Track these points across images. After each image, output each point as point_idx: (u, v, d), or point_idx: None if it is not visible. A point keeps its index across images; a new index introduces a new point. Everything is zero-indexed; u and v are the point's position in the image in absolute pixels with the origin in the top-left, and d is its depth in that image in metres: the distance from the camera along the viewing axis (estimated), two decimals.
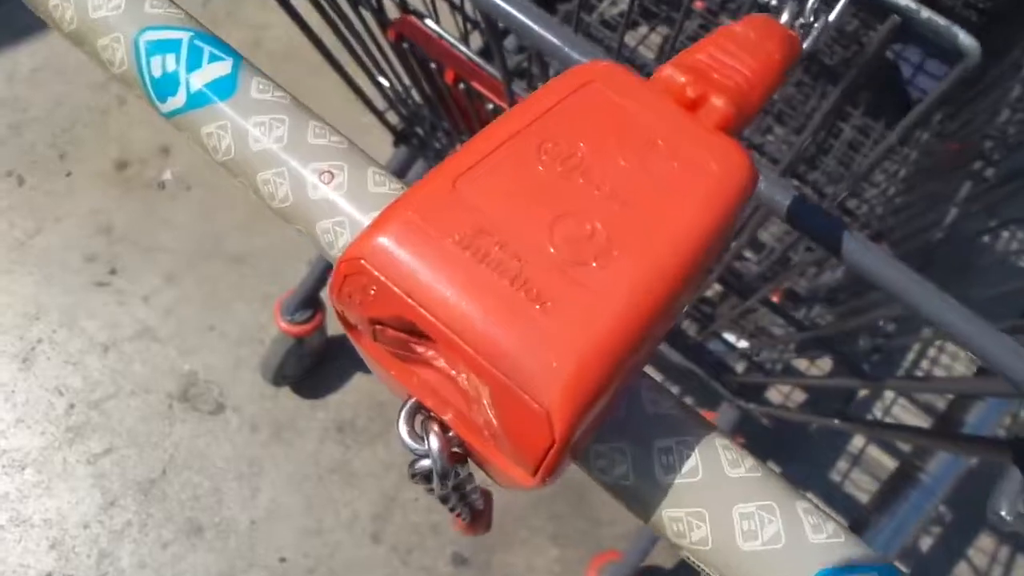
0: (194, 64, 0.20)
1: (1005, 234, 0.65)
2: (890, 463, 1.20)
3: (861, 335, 0.87)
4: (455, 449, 0.17)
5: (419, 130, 0.83)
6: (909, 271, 0.28)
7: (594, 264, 0.16)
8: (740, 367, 0.91)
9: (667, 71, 0.21)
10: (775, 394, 1.19)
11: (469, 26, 0.69)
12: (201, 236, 1.43)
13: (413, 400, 0.17)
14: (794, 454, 1.28)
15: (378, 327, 0.16)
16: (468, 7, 0.66)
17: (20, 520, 1.23)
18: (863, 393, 1.16)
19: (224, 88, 0.20)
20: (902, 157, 0.94)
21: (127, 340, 1.35)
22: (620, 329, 0.15)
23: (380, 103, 0.90)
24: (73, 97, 1.50)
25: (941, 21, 0.30)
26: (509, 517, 1.28)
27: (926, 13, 0.30)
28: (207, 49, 0.21)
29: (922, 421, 1.18)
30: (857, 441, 1.25)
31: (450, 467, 0.17)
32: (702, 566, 0.18)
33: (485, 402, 0.15)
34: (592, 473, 0.18)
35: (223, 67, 0.20)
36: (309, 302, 1.21)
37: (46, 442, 1.28)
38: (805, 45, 0.27)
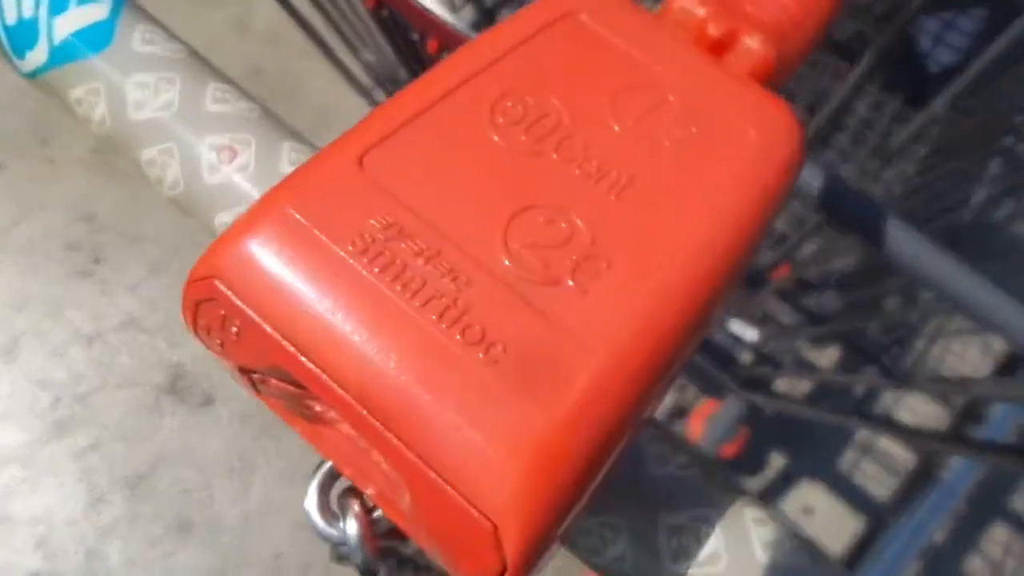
0: (59, 6, 0.15)
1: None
2: (902, 454, 1.16)
3: (878, 326, 0.83)
4: (383, 534, 0.12)
5: None
6: (965, 267, 0.23)
7: (570, 283, 0.10)
8: (747, 358, 0.87)
9: (681, 1, 0.15)
10: (783, 384, 1.15)
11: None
12: (187, 224, 1.38)
13: (327, 466, 0.12)
14: (800, 447, 1.24)
15: (254, 375, 0.11)
16: None
17: (5, 518, 1.19)
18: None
19: (98, 38, 0.15)
20: (920, 132, 0.89)
21: (112, 331, 1.31)
22: (608, 391, 0.10)
23: (366, 81, 0.85)
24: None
25: None
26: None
27: None
28: None
29: (940, 410, 1.14)
30: (867, 431, 1.21)
31: (374, 559, 0.12)
32: None
33: (404, 495, 0.10)
34: (578, 553, 0.14)
35: (97, 10, 0.15)
36: None
37: (31, 437, 1.24)
38: None
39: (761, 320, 0.87)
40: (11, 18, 0.15)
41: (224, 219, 0.16)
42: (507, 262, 0.10)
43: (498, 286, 0.10)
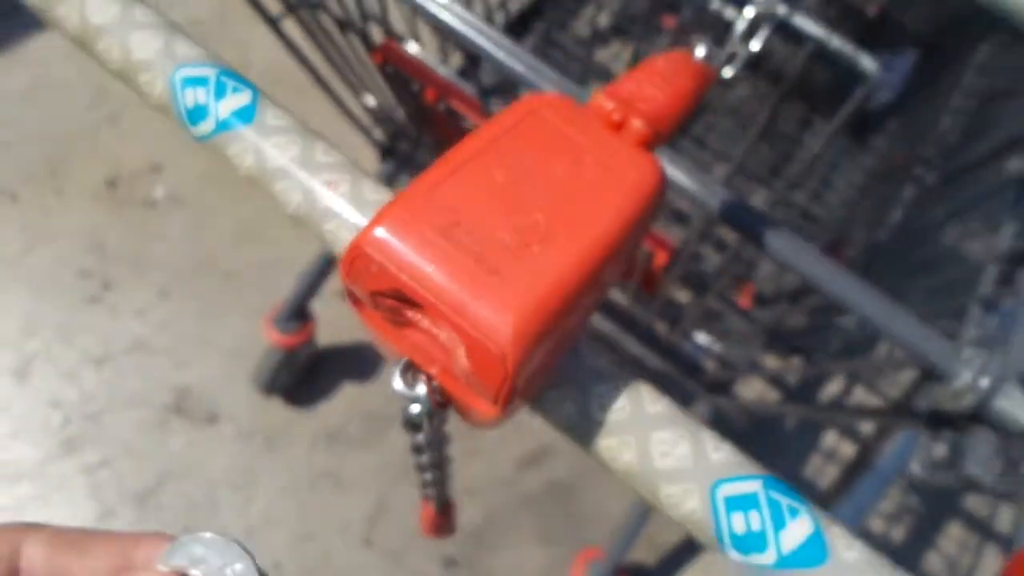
0: (220, 95, 0.25)
1: (949, 232, 0.71)
2: (848, 450, 1.25)
3: (828, 334, 0.92)
4: (437, 397, 0.22)
5: (403, 146, 0.88)
6: (815, 253, 0.33)
7: (535, 248, 0.21)
8: (711, 366, 0.96)
9: (598, 98, 0.26)
10: (748, 391, 1.24)
11: (449, 48, 0.75)
12: (193, 251, 1.47)
13: (405, 359, 0.22)
14: (761, 452, 1.34)
15: (378, 298, 0.21)
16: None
17: None
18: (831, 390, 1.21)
19: (246, 115, 0.25)
20: (858, 164, 1.01)
21: (121, 354, 1.38)
22: (553, 294, 0.21)
23: (366, 121, 0.95)
24: (65, 115, 1.54)
25: (847, 48, 0.35)
26: (497, 519, 1.32)
27: (836, 41, 0.35)
28: (231, 83, 0.25)
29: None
30: (828, 439, 1.30)
31: (435, 409, 0.22)
32: (631, 482, 0.23)
33: (459, 351, 0.20)
34: (545, 414, 0.23)
35: (244, 97, 0.25)
36: (299, 314, 1.26)
37: (42, 455, 1.30)
38: (732, 71, 0.32)
39: (724, 333, 0.97)
40: (190, 103, 0.25)
41: (329, 227, 0.25)
42: (505, 237, 0.20)
43: (501, 247, 0.21)
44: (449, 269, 0.20)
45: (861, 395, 1.30)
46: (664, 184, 0.24)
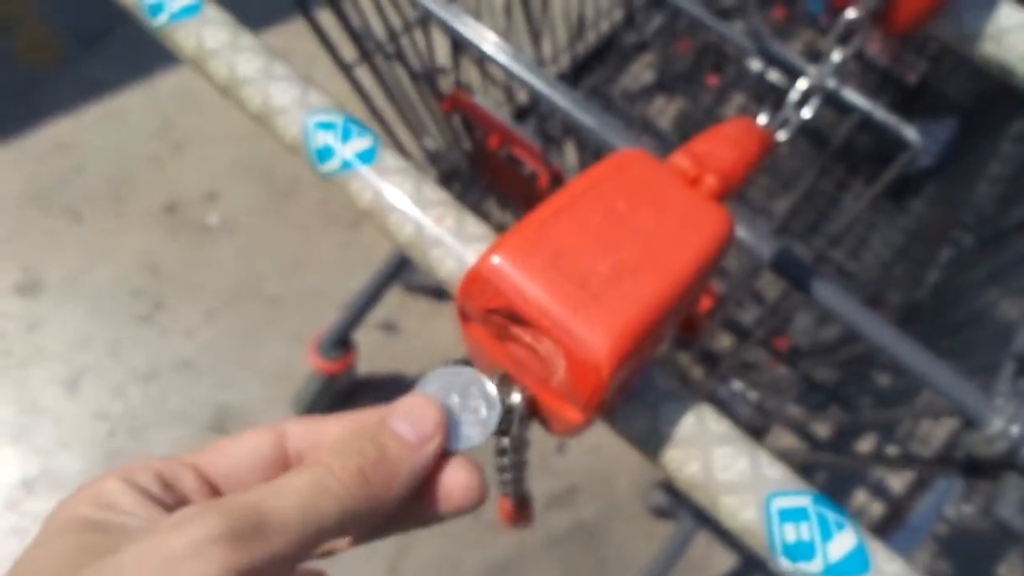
0: (346, 138, 0.29)
1: (985, 293, 0.73)
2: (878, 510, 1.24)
3: (861, 391, 0.94)
4: (527, 406, 0.25)
5: (455, 186, 0.93)
6: (859, 304, 0.36)
7: (627, 280, 0.25)
8: (745, 413, 0.98)
9: (676, 157, 0.31)
10: (779, 443, 1.25)
11: (510, 96, 0.79)
12: (241, 277, 1.52)
13: (501, 372, 0.26)
14: None
15: (489, 316, 0.25)
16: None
17: None
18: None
19: (368, 157, 0.29)
20: (896, 225, 1.03)
21: (167, 371, 1.43)
22: (642, 319, 0.25)
23: (422, 161, 1.00)
24: (132, 144, 1.63)
25: (891, 119, 0.39)
26: (522, 557, 1.33)
27: (880, 113, 0.39)
28: (355, 129, 0.30)
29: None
30: (858, 498, 1.29)
31: (527, 414, 0.25)
32: (693, 492, 0.26)
33: (558, 364, 0.24)
34: (619, 427, 0.27)
35: (366, 142, 0.29)
36: (342, 343, 1.30)
37: (87, 465, 1.35)
38: (785, 136, 0.36)
39: (758, 382, 0.99)
40: (320, 144, 0.29)
41: (435, 255, 0.29)
42: (602, 268, 0.24)
43: (599, 277, 0.24)
44: (556, 293, 0.24)
45: (891, 453, 1.30)
46: (732, 232, 0.27)
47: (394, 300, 1.51)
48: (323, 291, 1.52)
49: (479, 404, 0.24)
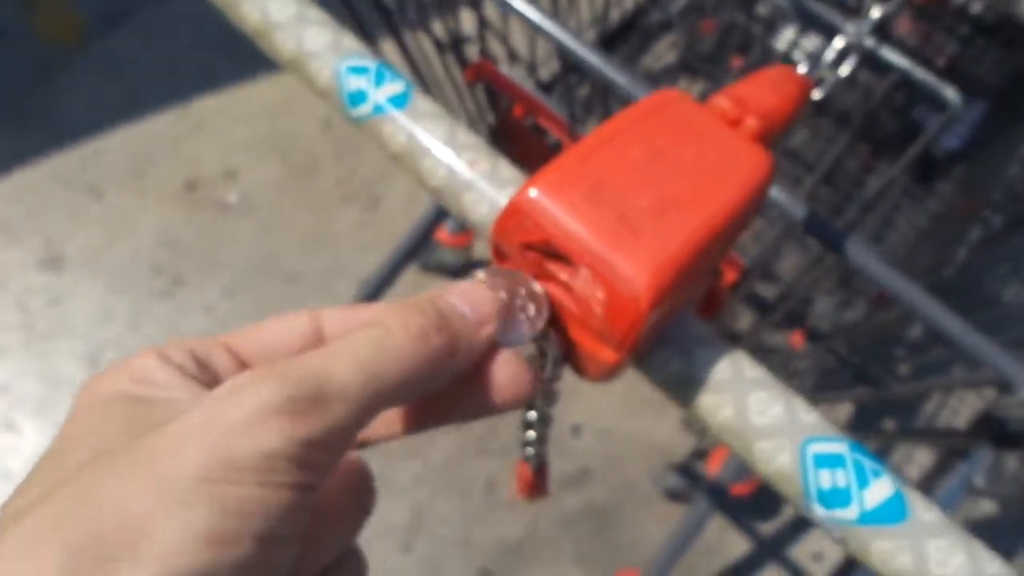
0: (379, 82, 0.29)
1: (1014, 272, 0.72)
2: None
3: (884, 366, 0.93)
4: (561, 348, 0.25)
5: None
6: (893, 267, 0.35)
7: (669, 214, 0.25)
8: None
9: (717, 99, 0.30)
10: None
11: (532, 70, 0.79)
12: (260, 255, 1.53)
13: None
14: (779, 527, 1.34)
15: (525, 252, 0.24)
16: (539, 54, 0.75)
17: None
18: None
19: (400, 101, 0.29)
20: (921, 207, 1.02)
21: None
22: (682, 254, 0.24)
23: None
24: (153, 123, 1.63)
25: (930, 78, 0.38)
26: (535, 536, 1.34)
27: (920, 72, 0.38)
28: (388, 73, 0.29)
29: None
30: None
31: (560, 356, 0.25)
32: (727, 437, 0.25)
33: (595, 299, 0.23)
34: (651, 372, 0.26)
35: (398, 86, 0.29)
36: None
37: None
38: (820, 94, 0.36)
39: (777, 367, 0.98)
40: (352, 88, 0.29)
41: (469, 198, 0.28)
42: (643, 202, 0.24)
43: (639, 210, 0.24)
44: (595, 225, 0.24)
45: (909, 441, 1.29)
46: (772, 172, 0.27)
47: (410, 280, 1.51)
48: (340, 269, 1.53)
49: (527, 303, 0.24)
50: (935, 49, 1.16)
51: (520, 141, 0.72)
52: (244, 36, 0.75)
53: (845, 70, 0.35)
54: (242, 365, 0.23)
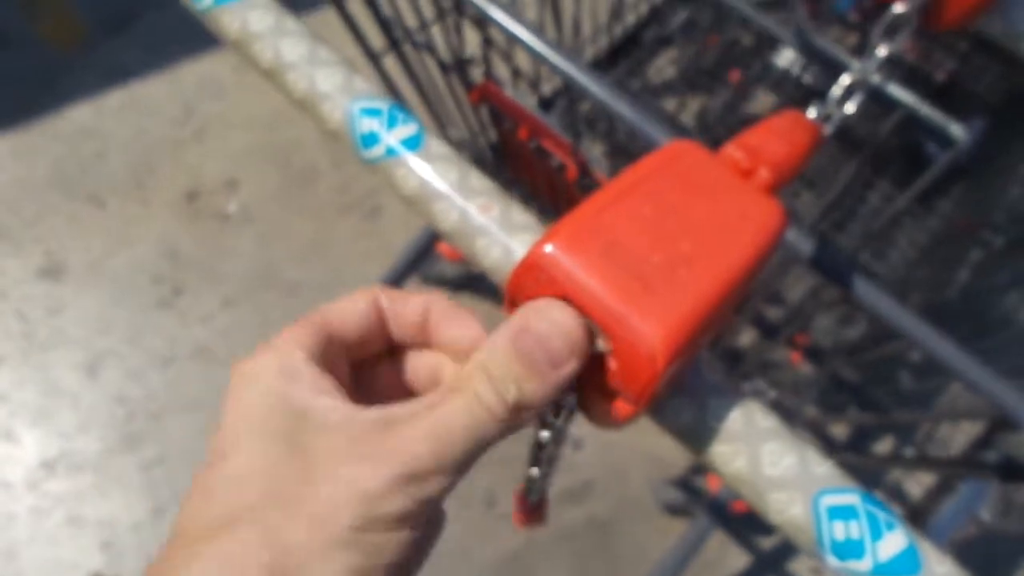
0: (391, 125, 0.29)
1: (1015, 295, 0.72)
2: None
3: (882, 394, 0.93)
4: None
5: None
6: (902, 306, 0.35)
7: (682, 271, 0.25)
8: None
9: (730, 149, 0.31)
10: None
11: (535, 87, 0.79)
12: (260, 265, 1.53)
13: None
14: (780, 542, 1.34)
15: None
16: (543, 70, 0.76)
17: (76, 519, 1.31)
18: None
19: (413, 143, 0.29)
20: (922, 225, 1.02)
21: (186, 357, 1.44)
22: (695, 311, 0.24)
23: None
24: (154, 131, 1.63)
25: (937, 116, 0.38)
26: (536, 548, 1.33)
27: (926, 109, 0.38)
28: (401, 115, 0.29)
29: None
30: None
31: (575, 407, 0.25)
32: (740, 487, 0.25)
33: (611, 354, 0.23)
34: (665, 421, 0.26)
35: (411, 129, 0.29)
36: None
37: (105, 447, 1.36)
38: (829, 130, 0.36)
39: (779, 381, 0.98)
40: (364, 130, 0.29)
41: (481, 243, 0.29)
42: (656, 259, 0.24)
43: (652, 268, 0.24)
44: (610, 283, 0.24)
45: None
46: (786, 225, 0.27)
47: (413, 290, 1.51)
48: (340, 279, 1.53)
49: None
50: (934, 65, 1.16)
51: (523, 160, 0.72)
52: None
53: (851, 107, 0.35)
54: (330, 340, 0.29)
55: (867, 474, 1.18)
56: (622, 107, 0.39)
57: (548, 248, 0.24)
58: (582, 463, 1.40)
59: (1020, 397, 0.34)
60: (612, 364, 0.24)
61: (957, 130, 0.38)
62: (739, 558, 1.33)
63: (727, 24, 1.14)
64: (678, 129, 1.23)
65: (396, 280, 1.31)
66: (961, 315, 0.68)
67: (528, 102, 0.62)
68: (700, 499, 1.25)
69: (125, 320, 1.47)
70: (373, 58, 0.76)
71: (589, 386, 0.25)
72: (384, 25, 0.61)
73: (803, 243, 0.36)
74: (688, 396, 0.26)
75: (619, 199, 0.25)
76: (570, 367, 0.24)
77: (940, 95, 1.16)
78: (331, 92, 0.30)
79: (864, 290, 0.36)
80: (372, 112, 0.29)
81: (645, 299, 0.23)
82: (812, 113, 0.34)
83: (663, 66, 1.30)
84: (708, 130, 1.24)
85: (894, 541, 0.23)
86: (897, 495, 1.26)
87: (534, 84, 0.87)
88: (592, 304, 0.23)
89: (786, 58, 1.07)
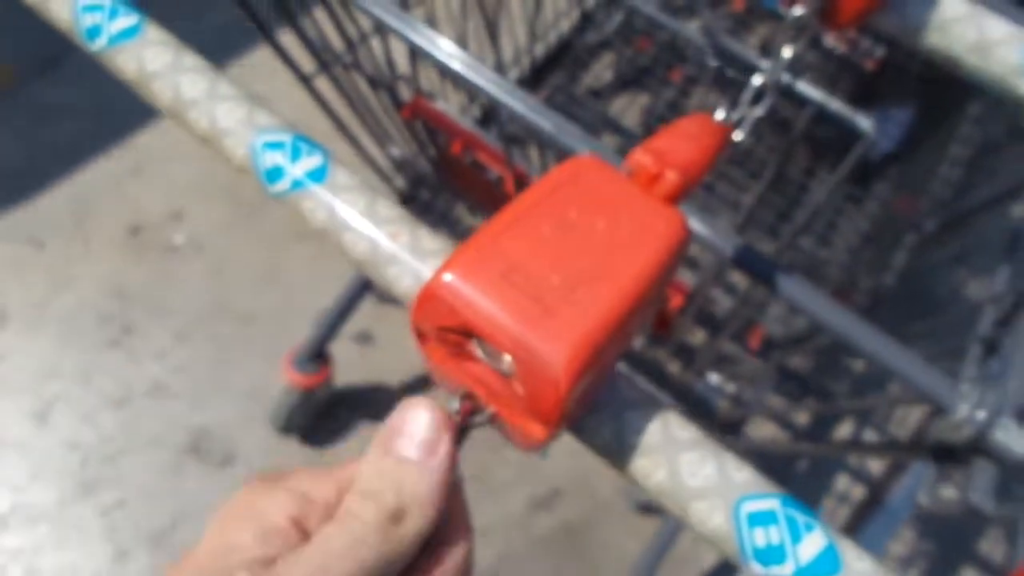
0: (295, 157, 0.28)
1: (951, 275, 0.74)
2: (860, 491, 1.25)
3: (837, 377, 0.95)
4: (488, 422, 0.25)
5: (423, 193, 0.92)
6: (823, 296, 0.36)
7: (581, 291, 0.25)
8: (723, 406, 0.98)
9: (637, 155, 0.31)
10: (760, 434, 1.25)
11: (473, 97, 0.79)
12: (211, 296, 1.50)
13: (464, 389, 0.25)
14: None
15: (445, 334, 0.24)
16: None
17: (34, 573, 1.26)
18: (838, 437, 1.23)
19: (318, 175, 0.28)
20: (862, 211, 1.05)
21: (140, 396, 1.41)
22: (597, 330, 0.24)
23: (388, 169, 0.99)
24: (91, 167, 1.59)
25: (845, 110, 0.39)
26: (510, 560, 1.33)
27: (835, 104, 0.39)
28: (305, 147, 0.29)
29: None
30: (840, 483, 1.30)
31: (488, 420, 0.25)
32: (662, 499, 0.25)
33: (516, 379, 0.23)
34: (585, 438, 0.26)
35: (316, 160, 0.29)
36: (317, 355, 1.28)
37: (60, 496, 1.32)
38: (741, 135, 0.36)
39: (735, 374, 0.99)
40: (268, 164, 0.28)
41: (391, 272, 0.28)
42: (555, 280, 0.24)
43: (552, 289, 0.24)
44: (509, 307, 0.23)
45: (870, 438, 1.31)
46: (688, 236, 0.27)
47: (369, 311, 1.50)
48: (295, 305, 1.51)
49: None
50: (862, 54, 1.19)
51: (462, 175, 0.72)
52: None
53: (761, 110, 0.36)
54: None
55: (831, 457, 1.20)
56: (542, 120, 0.39)
57: (445, 277, 0.23)
58: (550, 470, 1.40)
59: (945, 384, 0.34)
60: (519, 388, 0.23)
61: (864, 122, 0.39)
62: (711, 552, 1.34)
63: (658, 27, 1.15)
64: (621, 132, 1.25)
65: (350, 302, 1.30)
66: (903, 298, 0.70)
67: (462, 118, 0.62)
68: None
69: (74, 363, 1.43)
70: (305, 80, 0.75)
71: (505, 411, 0.25)
72: (312, 48, 0.60)
73: (724, 243, 0.37)
74: (605, 412, 0.26)
75: (518, 221, 0.25)
76: (443, 448, 0.24)
77: (872, 83, 1.19)
78: (233, 127, 0.29)
79: (785, 284, 0.36)
80: (275, 145, 0.28)
81: (546, 322, 0.23)
82: (720, 115, 0.34)
83: (602, 70, 1.31)
84: (651, 130, 1.26)
85: (814, 542, 0.23)
86: (860, 475, 1.28)
87: (472, 94, 0.87)
88: (493, 331, 0.23)
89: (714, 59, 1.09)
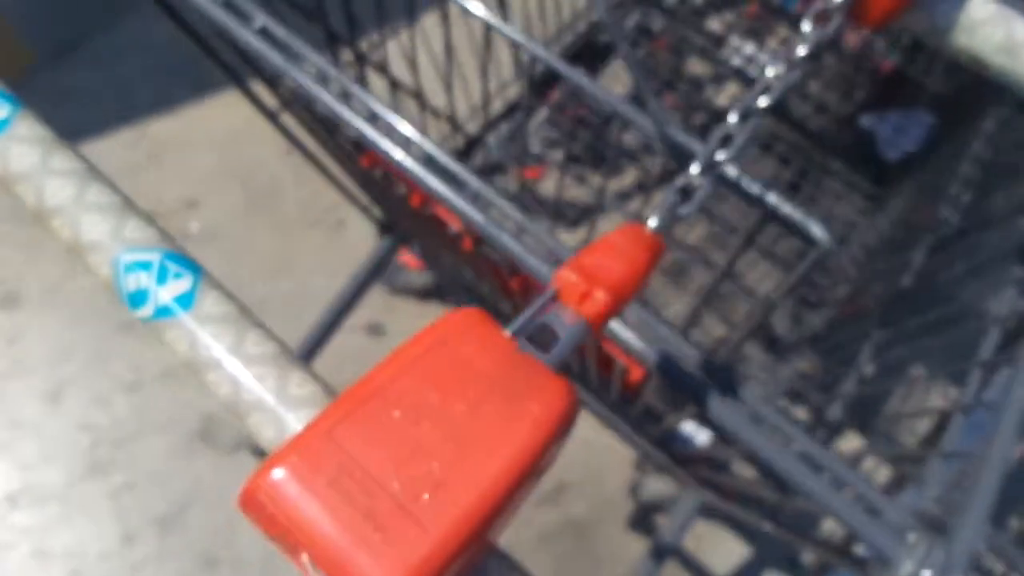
0: (162, 280, 0.26)
1: (967, 287, 0.70)
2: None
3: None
4: None
5: (398, 232, 0.89)
6: (765, 434, 0.32)
7: (426, 496, 0.22)
8: (700, 454, 0.95)
9: (564, 273, 0.28)
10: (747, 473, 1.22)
11: (456, 127, 0.75)
12: (225, 282, 1.49)
13: None
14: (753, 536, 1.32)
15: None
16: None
17: (42, 552, 1.30)
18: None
19: (185, 302, 0.26)
20: (873, 224, 1.00)
21: (152, 380, 1.42)
22: (437, 552, 0.21)
23: (365, 200, 0.95)
24: (107, 154, 1.60)
25: (797, 215, 0.35)
26: (514, 557, 1.32)
27: (786, 208, 0.35)
28: (173, 268, 0.27)
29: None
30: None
31: None
32: None
33: None
34: None
35: (185, 283, 0.26)
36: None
37: (70, 477, 1.35)
38: (664, 230, 0.32)
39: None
40: (132, 287, 0.26)
41: (253, 420, 0.26)
42: (396, 485, 0.21)
43: (389, 499, 0.21)
44: (335, 524, 0.21)
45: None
46: (575, 406, 0.24)
47: (379, 302, 1.49)
48: (307, 294, 1.50)
49: None
50: (877, 56, 1.12)
51: (422, 226, 0.68)
52: (200, 61, 0.71)
53: (688, 209, 0.31)
54: None
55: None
56: (474, 215, 0.36)
57: (268, 478, 0.21)
58: (556, 464, 1.39)
59: (889, 532, 0.30)
60: None
61: (817, 230, 0.35)
62: (717, 551, 1.32)
63: (672, 27, 1.10)
64: (557, 254, 1.19)
65: (357, 292, 1.28)
66: (917, 310, 0.66)
67: (424, 170, 0.58)
68: (678, 495, 1.22)
69: (87, 345, 1.45)
70: (271, 116, 0.72)
71: None
72: (271, 84, 0.57)
73: (648, 352, 0.33)
74: None
75: (361, 407, 0.22)
76: None
77: (888, 87, 1.12)
78: (98, 241, 0.27)
79: (718, 409, 0.33)
80: (140, 266, 0.26)
81: (375, 544, 0.20)
82: (653, 223, 0.31)
83: (619, 70, 1.26)
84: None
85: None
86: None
87: (453, 123, 0.83)
88: (313, 548, 0.20)
89: (732, 49, 1.03)
